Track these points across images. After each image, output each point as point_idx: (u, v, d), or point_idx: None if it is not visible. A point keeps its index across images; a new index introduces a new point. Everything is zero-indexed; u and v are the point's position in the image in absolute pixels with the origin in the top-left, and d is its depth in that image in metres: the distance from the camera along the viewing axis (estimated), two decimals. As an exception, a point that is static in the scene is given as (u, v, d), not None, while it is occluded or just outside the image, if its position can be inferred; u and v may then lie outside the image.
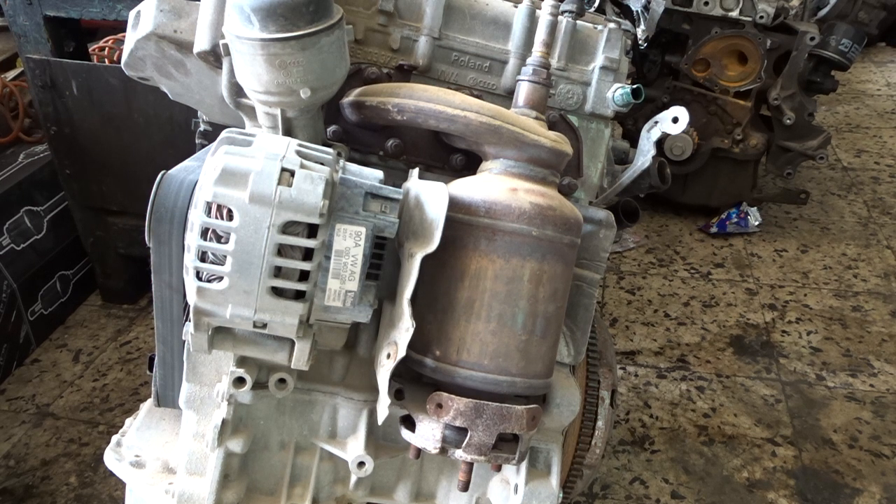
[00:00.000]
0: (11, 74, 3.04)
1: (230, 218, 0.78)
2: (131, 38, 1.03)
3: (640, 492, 1.98)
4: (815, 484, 2.00)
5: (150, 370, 1.12)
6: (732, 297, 2.84)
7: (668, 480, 2.01)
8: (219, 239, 0.79)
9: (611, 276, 2.97)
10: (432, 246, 0.84)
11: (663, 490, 1.98)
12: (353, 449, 1.03)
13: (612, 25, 1.10)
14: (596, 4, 2.84)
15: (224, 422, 0.96)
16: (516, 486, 1.06)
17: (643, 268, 3.04)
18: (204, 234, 0.79)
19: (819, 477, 2.02)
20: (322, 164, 0.82)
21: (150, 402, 1.15)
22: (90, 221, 2.58)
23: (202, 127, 1.23)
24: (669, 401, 2.30)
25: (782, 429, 2.19)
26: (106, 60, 2.69)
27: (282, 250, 0.80)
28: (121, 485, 1.12)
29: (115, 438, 1.13)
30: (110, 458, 1.10)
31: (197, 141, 1.24)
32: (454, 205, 0.88)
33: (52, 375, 2.40)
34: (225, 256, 0.79)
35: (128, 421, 1.17)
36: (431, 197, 0.87)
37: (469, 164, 1.02)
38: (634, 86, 1.06)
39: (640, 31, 3.08)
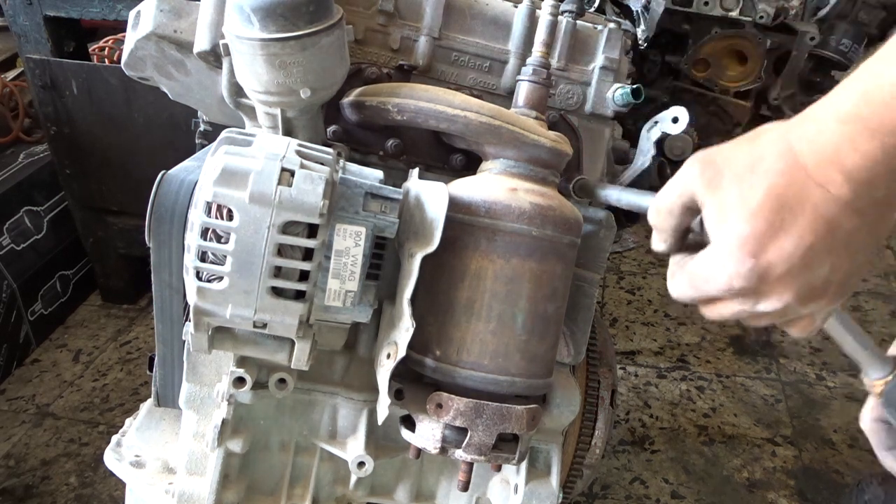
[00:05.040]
0: (11, 74, 3.04)
1: (230, 218, 0.78)
2: (131, 38, 1.03)
3: (640, 492, 1.98)
4: (815, 484, 2.00)
5: (151, 370, 1.12)
6: (732, 297, 2.84)
7: (668, 480, 2.01)
8: (219, 239, 0.79)
9: (611, 276, 2.97)
10: (432, 246, 0.84)
11: (663, 490, 1.98)
12: (353, 449, 1.03)
13: (612, 25, 1.09)
14: (596, 4, 2.83)
15: (224, 422, 0.95)
16: (516, 486, 1.06)
17: (643, 268, 3.04)
18: (204, 233, 0.79)
19: (819, 477, 2.02)
20: (322, 164, 0.82)
21: (149, 402, 1.15)
22: (90, 221, 2.57)
23: (202, 127, 1.23)
24: (669, 401, 2.30)
25: (782, 429, 2.19)
26: (106, 60, 2.69)
27: (282, 250, 0.80)
28: (121, 485, 1.12)
29: (115, 438, 1.13)
30: (110, 458, 1.10)
31: (197, 141, 1.24)
32: (454, 205, 0.87)
33: (52, 375, 2.40)
34: (225, 256, 0.79)
35: (128, 421, 1.17)
36: (431, 197, 0.87)
37: (469, 164, 1.02)
38: (634, 86, 1.06)
39: (640, 31, 3.07)
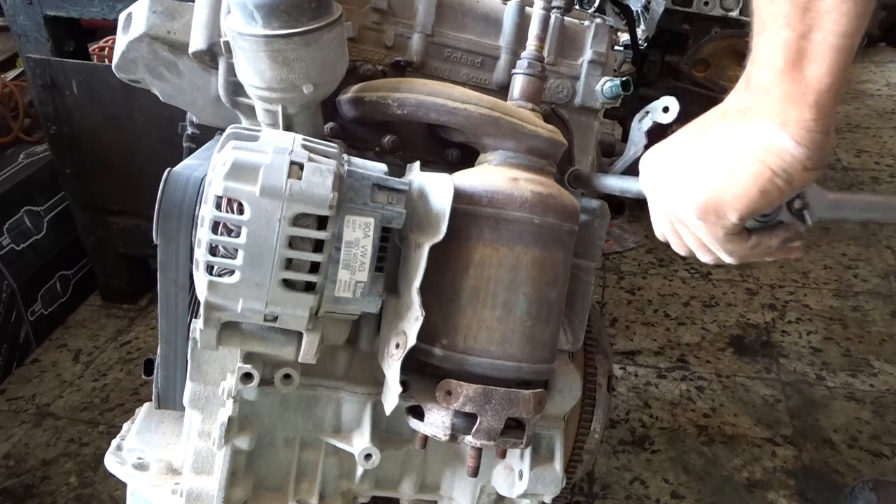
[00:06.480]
0: (11, 74, 3.04)
1: (241, 212, 0.78)
2: (122, 40, 1.03)
3: (640, 492, 1.97)
4: (815, 484, 2.00)
5: (147, 374, 1.11)
6: (732, 297, 2.84)
7: (668, 480, 2.01)
8: (229, 233, 0.79)
9: (611, 276, 2.97)
10: (439, 235, 0.85)
11: (663, 490, 1.98)
12: (359, 442, 1.04)
13: (598, 21, 1.12)
14: (596, 4, 2.83)
15: (230, 419, 0.96)
16: (521, 472, 1.07)
17: (643, 268, 3.04)
18: (215, 228, 0.79)
19: (819, 477, 2.02)
20: (328, 157, 0.83)
21: (147, 405, 1.14)
22: (90, 221, 2.57)
23: (189, 130, 1.24)
24: (669, 401, 2.30)
25: (782, 429, 2.19)
26: (106, 60, 2.69)
27: (293, 242, 0.80)
28: (121, 485, 1.11)
29: (114, 443, 1.11)
30: (111, 462, 1.09)
31: (185, 145, 1.24)
32: (456, 195, 0.88)
33: (52, 375, 2.39)
34: (236, 250, 0.79)
35: (125, 426, 1.15)
36: (436, 187, 0.88)
37: (464, 158, 1.03)
38: (623, 78, 1.08)
39: (640, 31, 3.08)
